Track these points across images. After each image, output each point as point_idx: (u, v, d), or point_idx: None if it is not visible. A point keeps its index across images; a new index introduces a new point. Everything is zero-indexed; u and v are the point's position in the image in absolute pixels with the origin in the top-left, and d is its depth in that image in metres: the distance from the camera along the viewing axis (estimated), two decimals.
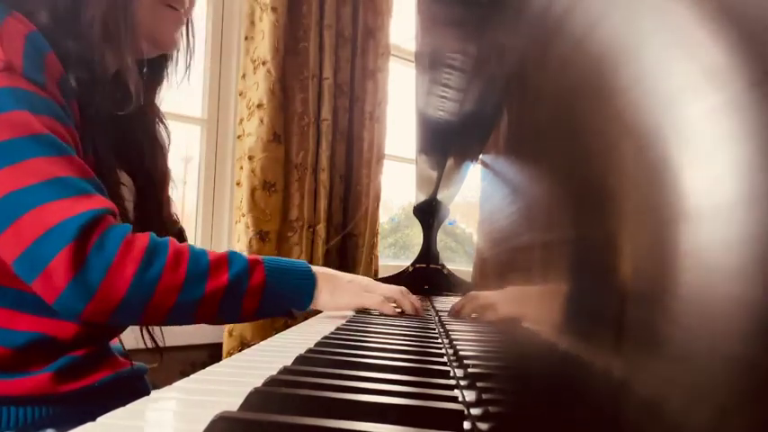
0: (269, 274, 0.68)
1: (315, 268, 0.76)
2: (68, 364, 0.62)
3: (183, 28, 0.77)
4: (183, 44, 0.79)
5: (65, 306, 0.56)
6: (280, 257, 0.75)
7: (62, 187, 0.56)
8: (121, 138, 0.73)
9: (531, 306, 0.27)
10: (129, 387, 0.70)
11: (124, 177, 0.73)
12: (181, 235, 0.88)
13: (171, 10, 0.73)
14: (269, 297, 0.68)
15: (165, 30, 0.73)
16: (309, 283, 0.74)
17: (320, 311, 0.99)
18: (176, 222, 0.87)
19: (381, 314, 0.86)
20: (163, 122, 0.82)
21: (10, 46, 0.57)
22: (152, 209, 0.78)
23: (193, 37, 0.81)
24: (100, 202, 0.58)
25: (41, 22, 0.61)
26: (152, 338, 0.80)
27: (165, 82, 0.81)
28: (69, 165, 0.58)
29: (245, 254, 0.72)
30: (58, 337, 0.62)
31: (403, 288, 0.89)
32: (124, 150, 0.74)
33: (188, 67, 0.81)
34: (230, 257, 0.66)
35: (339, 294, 0.77)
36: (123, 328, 0.75)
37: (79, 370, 0.64)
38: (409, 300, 0.88)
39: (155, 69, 0.79)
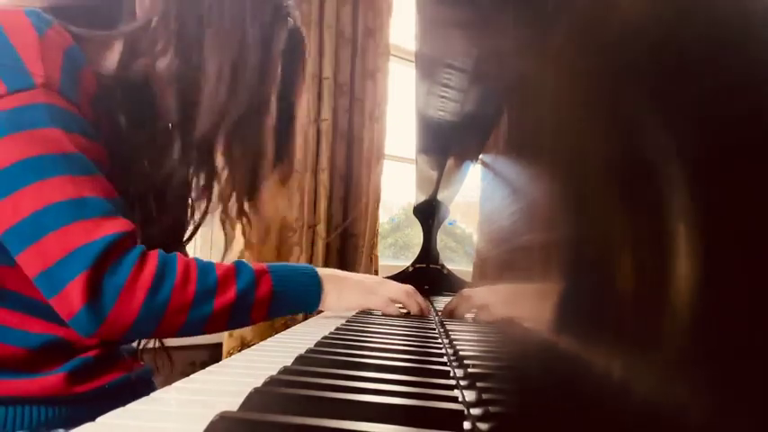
0: (276, 283, 0.70)
1: (321, 271, 0.77)
2: (81, 365, 0.63)
3: None
4: None
5: (78, 327, 0.57)
6: (285, 263, 0.77)
7: (85, 208, 0.56)
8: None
9: (531, 306, 0.27)
10: (138, 388, 0.70)
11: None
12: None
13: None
14: (276, 305, 0.70)
15: None
16: (315, 287, 0.75)
17: (321, 311, 0.99)
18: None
19: (385, 314, 0.87)
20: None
21: (49, 61, 0.57)
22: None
23: None
24: (120, 225, 0.58)
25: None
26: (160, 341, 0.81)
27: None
28: (95, 184, 0.58)
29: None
30: (71, 340, 0.64)
31: (409, 288, 0.89)
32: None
33: None
34: (238, 270, 0.67)
35: (346, 296, 0.79)
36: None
37: (91, 371, 0.65)
38: (416, 300, 0.88)
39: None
